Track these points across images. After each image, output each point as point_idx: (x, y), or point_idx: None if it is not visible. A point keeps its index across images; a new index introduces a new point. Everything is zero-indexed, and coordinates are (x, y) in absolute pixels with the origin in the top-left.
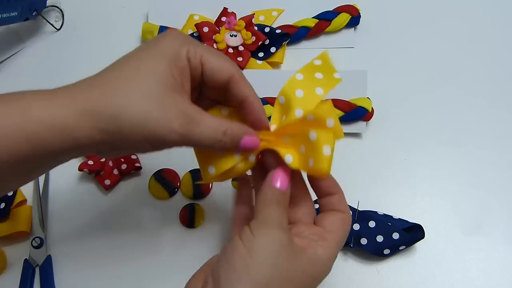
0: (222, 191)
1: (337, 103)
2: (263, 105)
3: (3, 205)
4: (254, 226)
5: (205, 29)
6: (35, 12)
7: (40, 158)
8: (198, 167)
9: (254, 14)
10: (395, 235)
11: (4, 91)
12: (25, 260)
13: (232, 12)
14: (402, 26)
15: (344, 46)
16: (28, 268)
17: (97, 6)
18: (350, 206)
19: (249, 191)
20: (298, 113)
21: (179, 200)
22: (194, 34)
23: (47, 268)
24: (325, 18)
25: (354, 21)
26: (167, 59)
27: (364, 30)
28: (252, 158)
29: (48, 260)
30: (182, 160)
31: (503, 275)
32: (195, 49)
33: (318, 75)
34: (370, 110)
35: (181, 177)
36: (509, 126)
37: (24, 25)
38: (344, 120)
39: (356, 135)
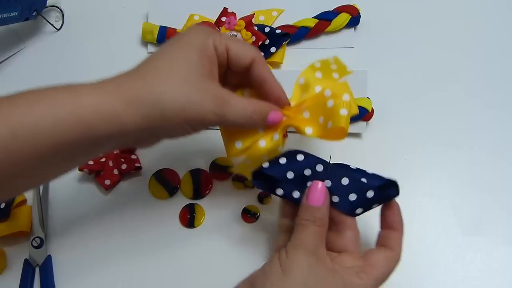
0: (222, 191)
1: None
2: None
3: (3, 205)
4: (289, 249)
5: None
6: (35, 12)
7: (86, 143)
8: (198, 167)
9: (254, 14)
10: (369, 193)
11: (4, 91)
12: (25, 260)
13: (232, 12)
14: (402, 26)
15: (344, 46)
16: (28, 268)
17: (97, 6)
18: (321, 159)
19: (291, 206)
20: (317, 89)
21: (179, 200)
22: None
23: (47, 268)
24: (325, 18)
25: (354, 21)
26: (196, 50)
27: (364, 30)
28: (277, 137)
29: (48, 260)
30: (182, 160)
31: (503, 275)
32: (219, 38)
33: (333, 66)
34: (370, 110)
35: (181, 177)
36: (509, 127)
37: (24, 25)
38: None
39: (356, 135)
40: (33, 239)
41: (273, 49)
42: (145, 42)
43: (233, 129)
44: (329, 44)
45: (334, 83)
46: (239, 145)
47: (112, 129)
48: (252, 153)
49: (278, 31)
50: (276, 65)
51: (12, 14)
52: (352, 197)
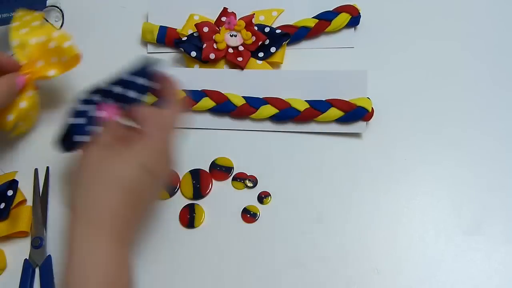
0: (222, 191)
1: (337, 103)
2: (263, 104)
3: (3, 205)
4: (84, 147)
5: (205, 29)
6: None
7: None
8: (199, 167)
9: (254, 14)
10: (132, 77)
11: None
12: (25, 260)
13: (232, 12)
14: (402, 26)
15: (344, 46)
16: (28, 268)
17: (97, 6)
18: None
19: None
20: (33, 41)
21: (179, 200)
22: (194, 34)
23: (47, 268)
24: (325, 18)
25: (354, 21)
26: None
27: (364, 30)
28: (30, 94)
29: (48, 260)
30: (182, 160)
31: (503, 275)
32: None
33: (27, 18)
34: (370, 110)
35: (181, 177)
36: (510, 127)
37: None
38: (344, 120)
39: (356, 135)
40: (33, 239)
41: (273, 49)
42: (145, 42)
43: None
44: (329, 44)
45: (44, 31)
46: (10, 117)
47: None
48: (19, 115)
49: (278, 31)
50: (276, 65)
51: (12, 14)
52: (132, 94)
